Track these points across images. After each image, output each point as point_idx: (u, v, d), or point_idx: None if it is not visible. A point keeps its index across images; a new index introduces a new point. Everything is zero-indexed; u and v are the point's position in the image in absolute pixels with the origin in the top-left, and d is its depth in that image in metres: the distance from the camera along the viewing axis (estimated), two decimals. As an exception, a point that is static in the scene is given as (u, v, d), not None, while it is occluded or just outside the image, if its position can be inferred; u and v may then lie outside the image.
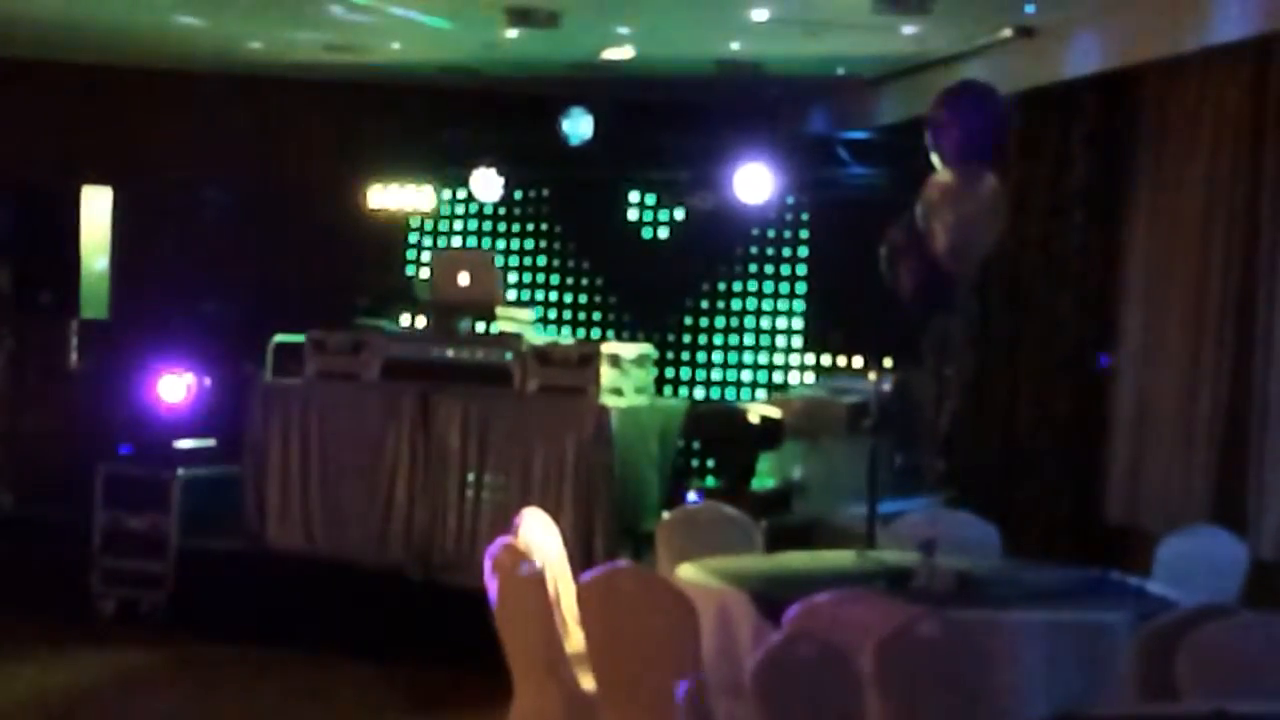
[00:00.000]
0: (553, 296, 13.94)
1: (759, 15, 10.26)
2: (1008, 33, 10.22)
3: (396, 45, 12.01)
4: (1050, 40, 10.15)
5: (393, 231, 13.91)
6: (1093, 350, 10.12)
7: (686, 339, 13.11)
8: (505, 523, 7.94)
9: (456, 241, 14.02)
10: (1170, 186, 9.57)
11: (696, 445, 12.06)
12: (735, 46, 11.44)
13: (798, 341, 13.22)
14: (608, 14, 10.66)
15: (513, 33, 10.83)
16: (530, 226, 13.85)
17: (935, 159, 7.82)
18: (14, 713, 8.93)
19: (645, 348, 11.07)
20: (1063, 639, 6.39)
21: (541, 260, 13.99)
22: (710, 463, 12.08)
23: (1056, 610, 6.64)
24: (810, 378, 12.84)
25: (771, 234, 13.04)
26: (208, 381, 11.44)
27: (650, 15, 10.68)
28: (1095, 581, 7.36)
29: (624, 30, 11.08)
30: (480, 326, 11.07)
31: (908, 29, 10.40)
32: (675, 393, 12.56)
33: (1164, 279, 9.58)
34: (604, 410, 10.07)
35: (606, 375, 10.30)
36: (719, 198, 12.02)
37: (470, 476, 10.33)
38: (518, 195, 13.43)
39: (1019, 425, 10.54)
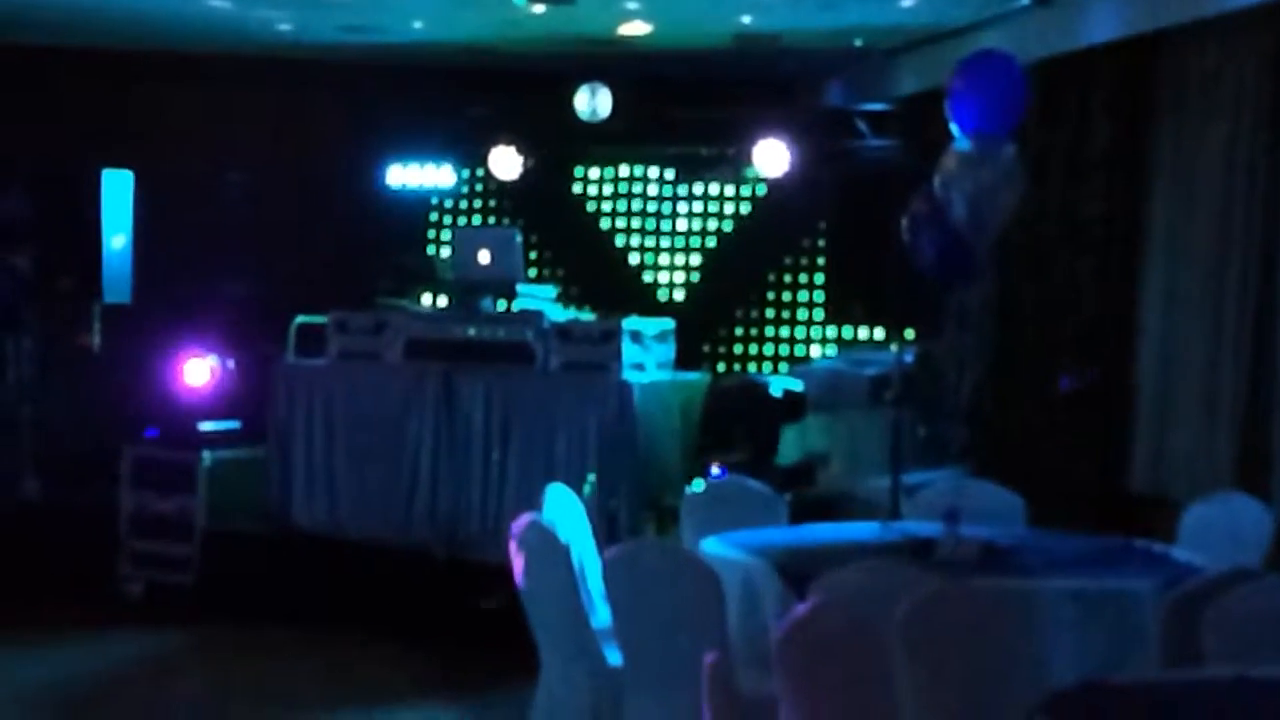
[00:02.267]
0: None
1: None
2: (1025, 1, 10.20)
3: (418, 25, 12.01)
4: (1068, 8, 10.12)
5: (413, 210, 13.93)
6: (1115, 318, 10.12)
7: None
8: (529, 499, 7.95)
9: (476, 219, 14.06)
10: (1190, 153, 9.54)
11: (719, 419, 12.04)
12: (749, 20, 11.41)
13: (819, 314, 13.22)
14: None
15: (539, 8, 10.83)
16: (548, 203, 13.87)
17: (953, 129, 7.80)
18: (42, 695, 8.97)
19: (666, 322, 11.06)
20: (1088, 607, 6.38)
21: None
22: (733, 436, 12.06)
23: (1082, 578, 6.63)
24: (832, 350, 12.84)
25: (791, 208, 13.04)
26: (231, 364, 11.45)
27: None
28: (1120, 549, 7.35)
29: (634, 5, 11.06)
30: (502, 304, 11.07)
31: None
32: (697, 367, 12.55)
33: (1185, 246, 9.56)
34: (626, 386, 10.07)
35: (628, 351, 10.29)
36: (739, 173, 12.03)
37: (494, 454, 10.33)
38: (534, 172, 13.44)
39: (1042, 394, 10.53)
